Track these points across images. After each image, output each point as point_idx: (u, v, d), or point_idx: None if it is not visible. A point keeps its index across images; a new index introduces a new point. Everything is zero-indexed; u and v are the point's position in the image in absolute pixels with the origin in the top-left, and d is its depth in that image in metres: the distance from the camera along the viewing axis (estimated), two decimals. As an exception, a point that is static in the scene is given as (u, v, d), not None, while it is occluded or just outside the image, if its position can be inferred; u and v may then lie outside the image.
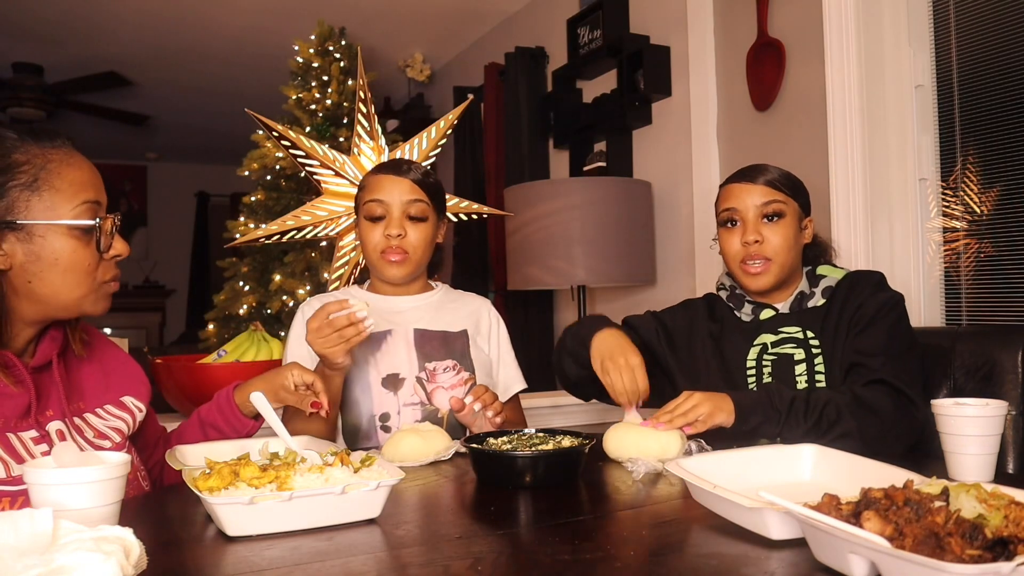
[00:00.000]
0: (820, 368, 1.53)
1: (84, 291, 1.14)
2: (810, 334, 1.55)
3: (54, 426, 1.15)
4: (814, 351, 1.54)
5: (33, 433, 1.12)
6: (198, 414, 1.44)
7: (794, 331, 1.57)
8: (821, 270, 1.62)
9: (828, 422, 1.38)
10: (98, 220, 1.14)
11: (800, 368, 1.54)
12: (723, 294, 1.69)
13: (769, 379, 1.55)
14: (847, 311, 1.53)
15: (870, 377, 1.44)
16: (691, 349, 1.68)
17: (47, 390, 1.17)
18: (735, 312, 1.66)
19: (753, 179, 1.58)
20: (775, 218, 1.56)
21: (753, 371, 1.58)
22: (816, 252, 1.66)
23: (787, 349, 1.56)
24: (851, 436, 1.37)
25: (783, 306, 1.61)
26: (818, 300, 1.58)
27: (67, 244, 1.11)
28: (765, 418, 1.40)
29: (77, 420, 1.19)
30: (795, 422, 1.39)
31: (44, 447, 1.11)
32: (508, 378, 1.76)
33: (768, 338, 1.59)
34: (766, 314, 1.61)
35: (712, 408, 1.38)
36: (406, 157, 2.18)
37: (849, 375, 1.48)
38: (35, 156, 1.11)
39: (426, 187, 1.68)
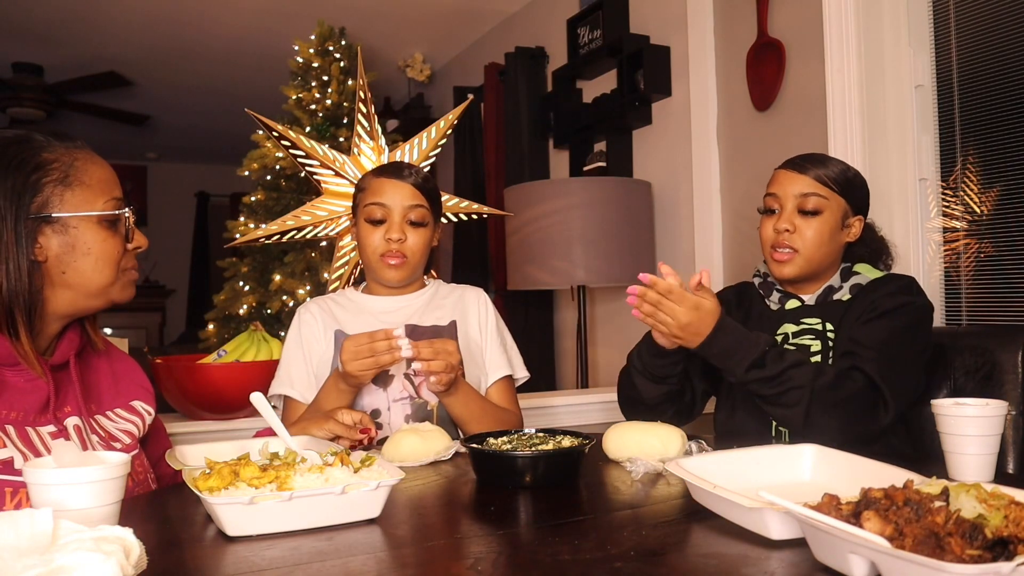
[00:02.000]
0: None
1: (112, 278, 1.21)
2: (829, 326, 1.55)
3: (71, 422, 1.18)
4: (831, 343, 1.54)
5: (51, 428, 1.15)
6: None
7: (814, 323, 1.57)
8: (858, 267, 1.61)
9: (778, 404, 1.41)
10: (126, 210, 1.22)
11: (816, 359, 1.53)
12: (756, 280, 1.69)
13: None
14: (864, 304, 1.52)
15: (860, 364, 1.41)
16: None
17: (64, 388, 1.20)
18: (765, 300, 1.66)
19: (803, 169, 1.57)
20: (811, 213, 1.55)
21: None
22: (865, 253, 1.63)
23: (805, 340, 1.56)
24: (791, 421, 1.40)
25: (810, 298, 1.61)
26: (844, 295, 1.58)
27: (98, 235, 1.18)
28: (725, 371, 1.45)
29: (91, 420, 1.22)
30: (754, 388, 1.42)
31: (61, 441, 1.13)
32: (492, 363, 1.74)
33: (790, 328, 1.59)
34: (791, 304, 1.62)
35: (682, 328, 1.41)
36: (405, 158, 2.18)
37: (840, 360, 1.47)
38: (62, 155, 1.17)
39: (426, 192, 1.70)
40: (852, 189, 1.58)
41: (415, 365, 1.50)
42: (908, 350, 1.46)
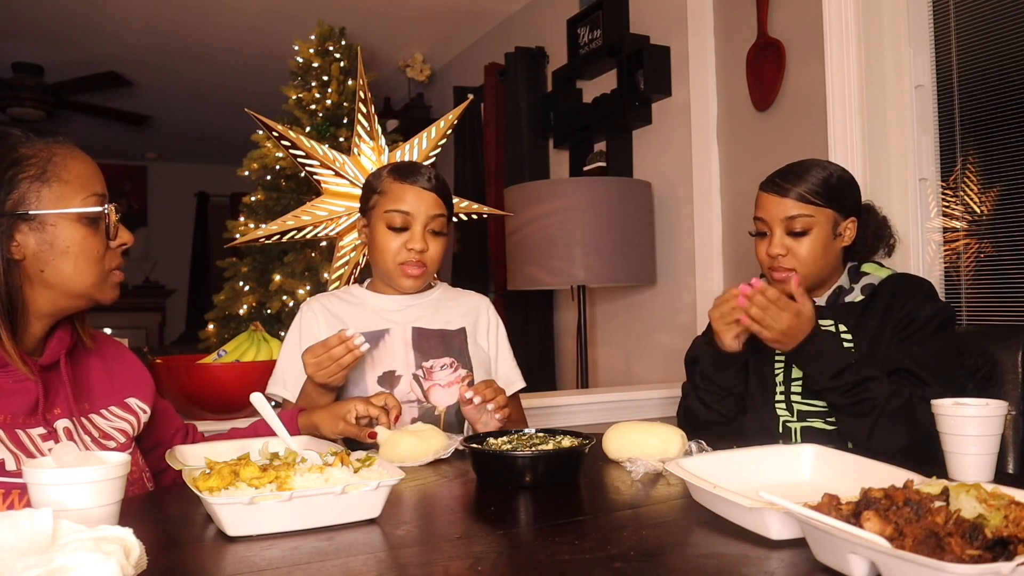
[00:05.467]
0: None
1: (94, 278, 1.17)
2: (842, 327, 1.56)
3: (61, 424, 1.16)
4: (846, 344, 1.55)
5: (41, 430, 1.13)
6: (255, 429, 1.47)
7: (826, 324, 1.57)
8: (865, 267, 1.62)
9: (851, 412, 1.45)
10: (106, 208, 1.18)
11: None
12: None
13: (796, 370, 1.56)
14: (893, 313, 1.52)
15: (923, 393, 1.43)
16: None
17: (55, 389, 1.18)
18: None
19: (783, 191, 1.56)
20: (801, 233, 1.55)
21: (782, 363, 1.60)
22: (867, 247, 1.64)
23: None
24: (856, 432, 1.42)
25: (820, 299, 1.62)
26: (856, 296, 1.59)
27: (77, 232, 1.15)
28: (808, 375, 1.49)
29: (84, 420, 1.20)
30: (831, 396, 1.46)
31: (52, 444, 1.12)
32: (507, 377, 1.76)
33: None
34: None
35: (783, 333, 1.44)
36: (405, 158, 2.18)
37: (897, 376, 1.48)
38: (40, 150, 1.14)
39: (446, 199, 1.68)
40: (838, 195, 1.56)
41: (467, 393, 1.49)
42: (954, 362, 1.52)
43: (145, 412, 1.30)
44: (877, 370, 1.46)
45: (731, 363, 1.56)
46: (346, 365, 1.45)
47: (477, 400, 1.47)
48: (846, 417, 1.45)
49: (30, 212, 1.12)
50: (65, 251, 1.14)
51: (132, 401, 1.30)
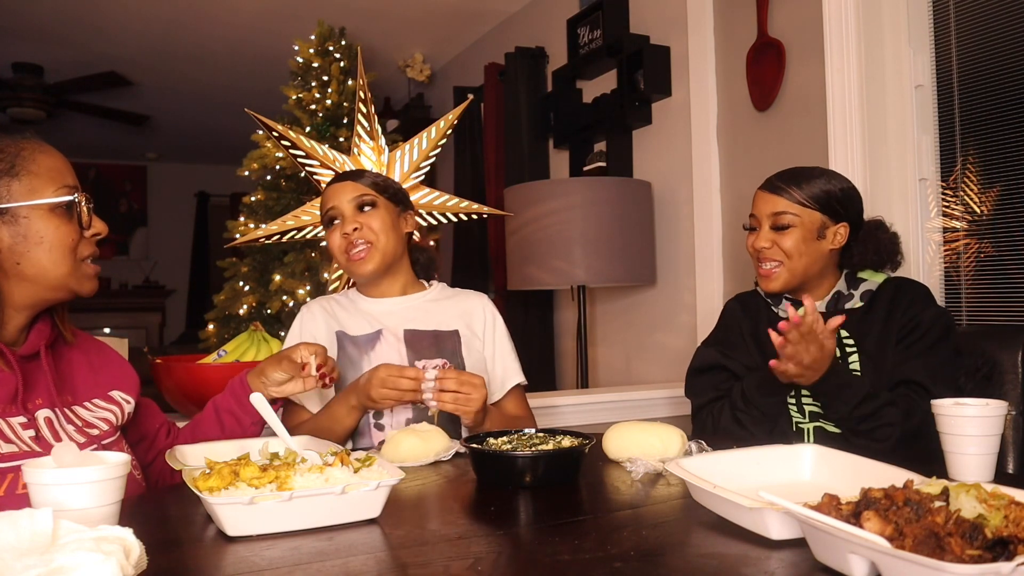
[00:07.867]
0: (856, 367, 1.55)
1: (68, 268, 1.19)
2: (844, 333, 1.58)
3: (42, 414, 1.17)
4: (848, 350, 1.57)
5: (21, 419, 1.14)
6: (213, 403, 1.49)
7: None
8: (863, 274, 1.64)
9: (869, 437, 1.47)
10: (76, 196, 1.20)
11: None
12: (761, 289, 1.72)
13: None
14: (895, 319, 1.55)
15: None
16: (745, 348, 1.71)
17: (35, 379, 1.20)
18: (772, 308, 1.69)
19: (777, 190, 1.62)
20: (783, 228, 1.61)
21: None
22: (867, 260, 1.64)
23: None
24: (870, 448, 1.43)
25: (820, 305, 1.63)
26: (856, 302, 1.61)
27: (50, 223, 1.17)
28: (828, 406, 1.49)
29: (66, 410, 1.22)
30: (850, 423, 1.48)
31: (32, 432, 1.14)
32: (505, 372, 1.74)
33: None
34: (803, 312, 1.62)
35: (808, 367, 1.43)
36: (406, 158, 2.18)
37: (908, 386, 1.49)
38: (8, 146, 1.17)
39: (370, 183, 1.71)
40: (828, 202, 1.60)
41: (426, 396, 1.48)
42: (956, 367, 1.54)
43: (129, 403, 1.32)
44: (889, 396, 1.48)
45: (782, 391, 1.55)
46: (404, 400, 1.48)
47: (435, 405, 1.47)
48: (865, 440, 1.46)
49: (1, 206, 1.14)
50: (39, 242, 1.16)
51: (116, 393, 1.31)
